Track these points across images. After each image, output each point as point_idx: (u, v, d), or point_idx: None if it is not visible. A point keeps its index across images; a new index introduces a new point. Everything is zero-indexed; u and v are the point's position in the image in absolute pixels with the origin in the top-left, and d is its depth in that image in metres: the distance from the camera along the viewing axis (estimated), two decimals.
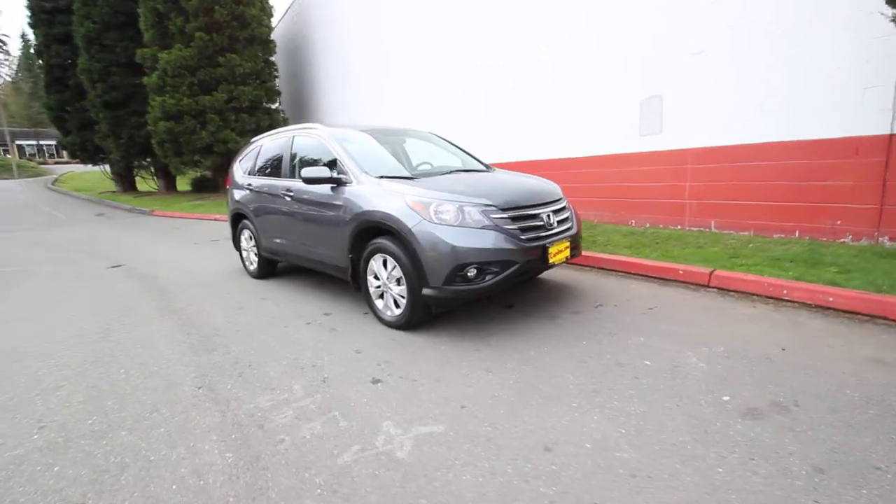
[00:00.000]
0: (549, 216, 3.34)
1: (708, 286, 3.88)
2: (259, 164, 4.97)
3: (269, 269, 5.13)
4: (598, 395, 2.31)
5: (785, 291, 3.42)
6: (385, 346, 3.08)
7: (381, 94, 11.37)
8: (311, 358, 2.97)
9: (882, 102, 3.90)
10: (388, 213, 3.16)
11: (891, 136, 3.90)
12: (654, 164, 5.70)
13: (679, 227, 5.62)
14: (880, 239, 4.10)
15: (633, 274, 4.42)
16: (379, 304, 3.49)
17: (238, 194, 5.22)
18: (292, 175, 4.36)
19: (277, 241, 4.55)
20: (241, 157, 5.45)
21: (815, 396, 2.19)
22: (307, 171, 3.71)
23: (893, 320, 2.92)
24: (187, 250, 7.41)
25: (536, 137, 7.12)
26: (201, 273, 5.62)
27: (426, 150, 4.54)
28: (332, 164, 3.85)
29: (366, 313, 3.78)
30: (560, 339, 3.04)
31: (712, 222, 5.33)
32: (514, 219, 3.13)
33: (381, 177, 3.53)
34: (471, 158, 4.59)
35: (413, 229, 3.02)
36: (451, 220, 3.00)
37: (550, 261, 3.24)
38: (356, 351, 3.04)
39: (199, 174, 19.72)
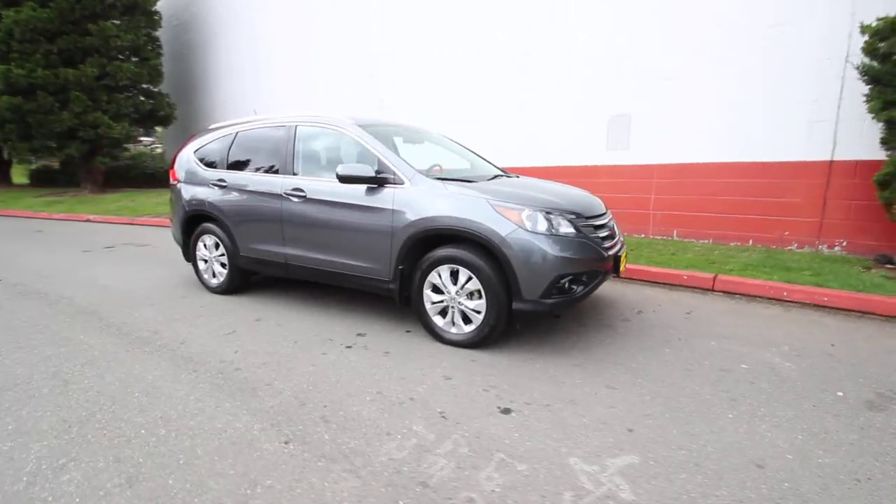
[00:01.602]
0: (614, 225, 3.33)
1: (713, 290, 4.27)
2: (236, 156, 4.11)
3: (242, 282, 4.28)
4: (740, 404, 2.34)
5: (786, 293, 3.92)
6: (472, 369, 2.74)
7: (302, 85, 10.40)
8: (398, 390, 2.50)
9: (826, 135, 4.74)
10: (472, 220, 2.82)
11: (831, 162, 4.76)
12: (621, 177, 6.14)
13: (643, 235, 6.13)
14: (820, 247, 4.96)
15: (638, 280, 4.66)
16: (438, 320, 3.11)
17: (198, 192, 4.25)
18: (297, 172, 3.69)
19: (272, 249, 3.79)
20: (197, 147, 4.46)
21: None
22: (345, 168, 3.17)
23: (881, 315, 3.52)
24: (81, 260, 5.85)
25: (499, 143, 7.16)
26: (131, 289, 4.45)
27: (443, 151, 4.22)
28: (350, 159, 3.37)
29: (408, 331, 3.35)
30: (640, 347, 3.04)
31: (675, 231, 5.91)
32: (595, 227, 3.06)
33: (441, 178, 3.17)
34: (486, 163, 4.39)
35: (507, 238, 2.74)
36: (543, 228, 2.79)
37: (620, 269, 3.23)
38: (444, 377, 2.65)
39: (40, 165, 15.88)
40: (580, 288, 2.89)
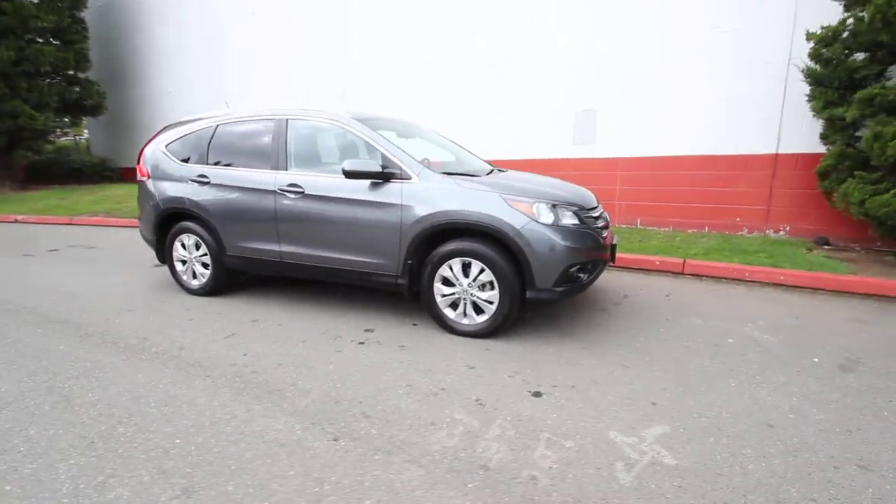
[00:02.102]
0: (607, 216, 3.54)
1: (683, 273, 4.64)
2: (218, 151, 3.90)
3: (228, 282, 4.10)
4: (739, 374, 2.61)
5: (747, 274, 4.35)
6: (490, 358, 2.83)
7: (282, 90, 9.88)
8: (426, 381, 2.55)
9: (772, 131, 5.26)
10: (488, 214, 2.90)
11: (776, 155, 5.29)
12: (588, 170, 6.45)
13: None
14: (767, 231, 5.52)
15: (615, 267, 4.96)
16: (449, 313, 3.17)
17: (174, 188, 4.00)
18: (289, 167, 3.58)
19: (264, 247, 3.66)
20: (168, 141, 4.18)
21: (863, 351, 2.88)
22: (351, 164, 3.14)
23: (830, 290, 4.01)
24: (27, 264, 5.33)
25: (471, 138, 7.26)
26: (99, 294, 4.14)
27: (433, 147, 4.25)
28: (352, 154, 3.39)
29: (415, 324, 3.39)
30: (637, 328, 3.27)
31: (638, 220, 6.32)
32: (594, 219, 3.24)
33: (448, 173, 3.22)
34: (475, 158, 4.47)
35: (522, 230, 2.86)
36: (552, 220, 2.93)
37: (615, 258, 3.44)
38: (467, 367, 2.73)
39: None
40: (586, 276, 3.07)
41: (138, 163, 4.34)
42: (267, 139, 3.69)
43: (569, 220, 3.01)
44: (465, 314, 3.13)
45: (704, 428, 2.10)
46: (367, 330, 3.31)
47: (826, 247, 5.01)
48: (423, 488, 1.74)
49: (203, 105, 10.87)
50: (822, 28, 4.23)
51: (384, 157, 3.25)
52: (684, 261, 4.66)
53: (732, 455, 1.92)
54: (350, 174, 3.15)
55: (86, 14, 12.01)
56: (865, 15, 3.74)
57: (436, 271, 3.13)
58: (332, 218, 3.38)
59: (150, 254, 4.45)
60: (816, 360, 2.78)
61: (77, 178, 13.26)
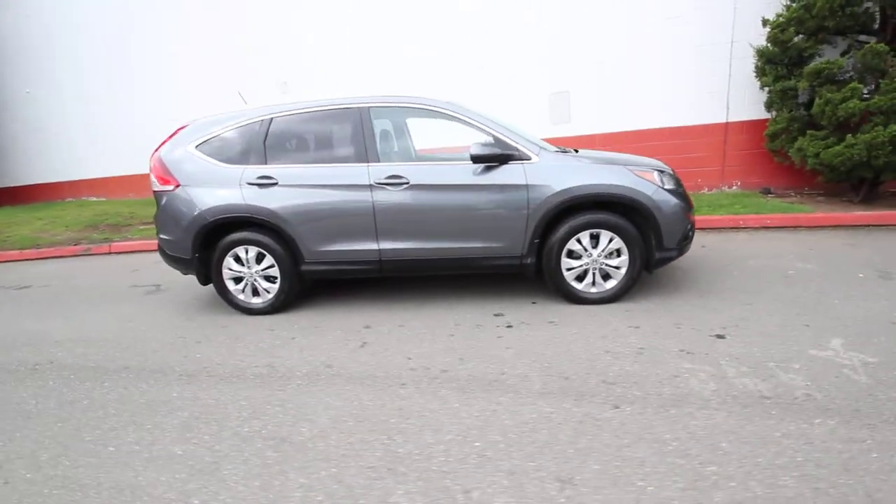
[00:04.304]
0: None
1: None
2: (278, 148, 3.45)
3: (299, 292, 3.70)
4: (827, 294, 3.21)
5: (741, 222, 5.22)
6: (640, 317, 3.07)
7: (192, 74, 8.56)
8: (619, 346, 2.70)
9: (721, 102, 6.28)
10: (626, 186, 3.10)
11: (726, 123, 6.34)
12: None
13: None
14: (723, 187, 6.60)
15: None
16: (576, 284, 3.33)
17: (223, 195, 3.44)
18: (379, 158, 3.35)
19: (359, 247, 3.38)
20: (199, 141, 3.56)
21: (882, 264, 3.71)
22: (479, 148, 3.12)
23: (807, 226, 5.02)
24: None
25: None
26: (118, 336, 3.50)
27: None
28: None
29: (533, 302, 3.48)
30: (715, 275, 3.77)
31: None
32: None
33: (559, 150, 3.33)
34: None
35: (653, 197, 3.13)
36: (668, 186, 3.26)
37: None
38: (632, 327, 2.94)
39: None
40: (693, 234, 3.47)
41: (154, 170, 3.62)
42: (346, 130, 3.40)
43: (673, 184, 3.36)
44: (593, 283, 3.32)
45: (860, 333, 2.62)
46: (496, 314, 3.31)
47: (770, 195, 6.20)
48: (743, 424, 1.93)
49: (106, 105, 9.18)
50: (777, 15, 5.22)
51: (497, 140, 3.24)
52: None
53: None
54: (478, 158, 3.10)
55: None
56: (817, 2, 4.71)
57: (563, 246, 3.25)
58: (446, 206, 3.28)
59: (121, 282, 3.82)
60: (861, 275, 3.56)
61: None
